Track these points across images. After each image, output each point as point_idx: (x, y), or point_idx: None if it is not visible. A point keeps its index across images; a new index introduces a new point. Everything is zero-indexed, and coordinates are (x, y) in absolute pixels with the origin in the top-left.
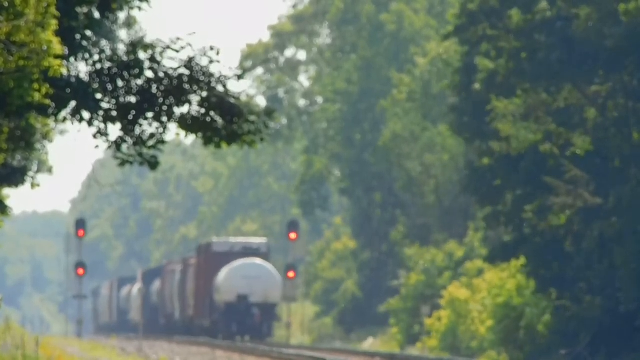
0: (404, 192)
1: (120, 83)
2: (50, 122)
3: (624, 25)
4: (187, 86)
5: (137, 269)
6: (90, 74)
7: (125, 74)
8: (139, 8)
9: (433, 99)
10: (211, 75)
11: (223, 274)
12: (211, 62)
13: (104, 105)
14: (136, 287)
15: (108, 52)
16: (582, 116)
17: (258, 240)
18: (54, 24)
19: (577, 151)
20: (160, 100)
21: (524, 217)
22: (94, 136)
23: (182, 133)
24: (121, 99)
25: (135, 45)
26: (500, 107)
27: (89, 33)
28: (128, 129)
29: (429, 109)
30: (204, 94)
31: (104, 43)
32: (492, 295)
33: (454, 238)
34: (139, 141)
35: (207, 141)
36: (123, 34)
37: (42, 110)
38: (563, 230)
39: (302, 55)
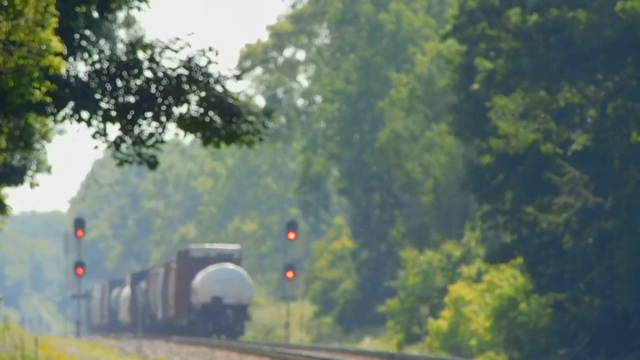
0: (403, 193)
1: (119, 83)
2: (49, 121)
3: (623, 24)
4: (186, 86)
5: (136, 269)
6: (89, 74)
7: (124, 73)
8: (138, 8)
9: (432, 98)
10: (210, 75)
11: (199, 277)
12: (210, 62)
13: (103, 105)
14: (125, 290)
15: (107, 52)
16: (581, 116)
17: (231, 247)
18: (54, 22)
19: (576, 147)
20: (159, 100)
21: (523, 217)
22: (93, 136)
23: (181, 133)
24: (120, 99)
25: (134, 45)
26: (500, 103)
27: (88, 33)
28: (127, 128)
29: (428, 108)
30: (203, 94)
31: (103, 43)
32: (491, 295)
33: (453, 238)
34: (138, 141)
35: (206, 141)
36: (122, 33)
37: (41, 110)
38: (562, 230)
39: (300, 55)
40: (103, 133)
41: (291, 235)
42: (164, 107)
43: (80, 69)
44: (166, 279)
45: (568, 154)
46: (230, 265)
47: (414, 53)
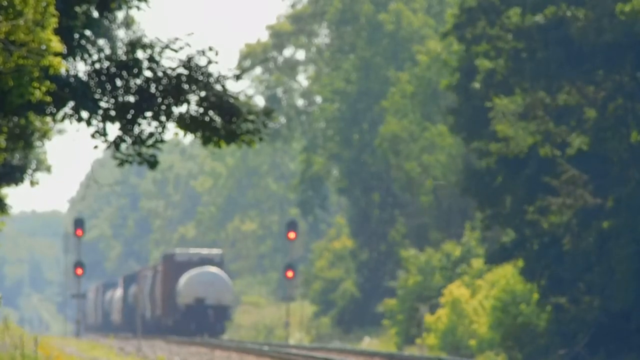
0: (402, 192)
1: (118, 82)
2: (49, 120)
3: (622, 23)
4: (185, 86)
5: (135, 269)
6: (89, 74)
7: (124, 73)
8: (138, 7)
9: (432, 98)
10: (210, 74)
11: (183, 280)
12: (210, 62)
13: (103, 104)
14: (118, 292)
15: (107, 51)
16: (581, 116)
17: (213, 252)
18: (53, 22)
19: (570, 151)
20: (159, 99)
21: (524, 218)
22: (93, 136)
23: (181, 132)
24: (120, 99)
25: (133, 45)
26: (500, 104)
27: (87, 32)
28: (127, 128)
29: (428, 108)
30: (203, 93)
31: (102, 42)
32: (491, 295)
33: (452, 238)
34: (138, 140)
35: (205, 141)
36: (122, 33)
37: (41, 110)
38: (562, 231)
39: (300, 55)
40: (103, 133)
41: (291, 235)
42: (163, 107)
43: (80, 68)
44: (154, 281)
45: (567, 157)
46: (212, 269)
47: (418, 52)
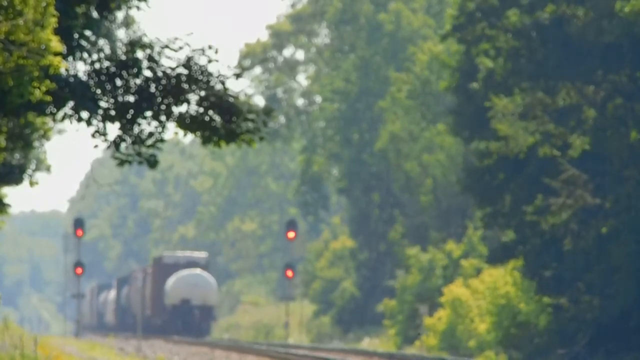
0: (402, 192)
1: (118, 82)
2: (49, 120)
3: (622, 22)
4: (185, 85)
5: (135, 269)
6: (89, 74)
7: (124, 73)
8: (137, 7)
9: (432, 98)
10: (210, 74)
11: (170, 281)
12: (210, 61)
13: (103, 104)
14: (112, 293)
15: (106, 51)
16: (580, 116)
17: (199, 254)
18: (53, 22)
19: (572, 153)
20: (159, 99)
21: (523, 218)
22: (93, 135)
23: (181, 132)
24: (120, 98)
25: (133, 45)
26: (499, 104)
27: (87, 32)
28: (127, 128)
29: (427, 108)
30: (203, 93)
31: (102, 42)
32: (490, 295)
33: (452, 238)
34: (138, 140)
35: (205, 140)
36: (121, 33)
37: (41, 110)
38: (561, 231)
39: (300, 54)
40: (103, 132)
41: (291, 235)
42: (163, 107)
43: (80, 68)
44: (144, 283)
45: (566, 158)
46: (197, 271)
47: (414, 53)
